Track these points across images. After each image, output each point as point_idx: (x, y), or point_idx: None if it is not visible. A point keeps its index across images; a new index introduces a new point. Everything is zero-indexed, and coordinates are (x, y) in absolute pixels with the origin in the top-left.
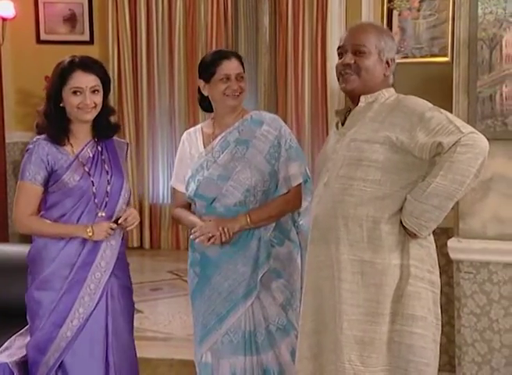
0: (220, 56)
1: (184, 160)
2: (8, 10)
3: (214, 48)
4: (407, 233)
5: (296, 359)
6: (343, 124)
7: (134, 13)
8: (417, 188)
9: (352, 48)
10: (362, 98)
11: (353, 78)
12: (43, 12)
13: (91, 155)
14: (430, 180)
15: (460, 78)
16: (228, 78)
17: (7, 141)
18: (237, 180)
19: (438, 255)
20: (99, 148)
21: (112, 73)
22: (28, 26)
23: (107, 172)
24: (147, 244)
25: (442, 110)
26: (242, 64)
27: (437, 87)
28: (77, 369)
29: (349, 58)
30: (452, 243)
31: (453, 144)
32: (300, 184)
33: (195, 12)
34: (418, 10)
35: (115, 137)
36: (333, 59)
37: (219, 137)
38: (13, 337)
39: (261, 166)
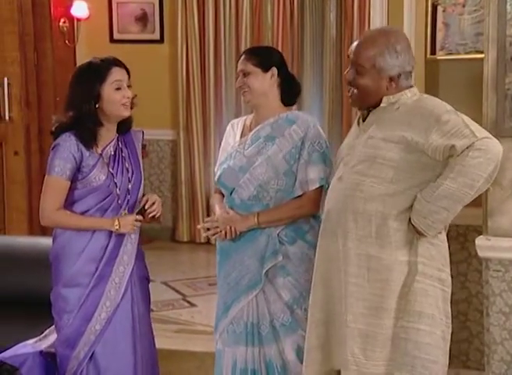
0: (241, 54)
1: (224, 148)
2: (82, 11)
3: (280, 47)
4: (415, 232)
5: (305, 350)
6: (364, 120)
7: (202, 13)
8: (427, 188)
9: (352, 65)
10: (384, 99)
11: (354, 93)
12: (116, 11)
13: (113, 153)
14: (440, 181)
15: (488, 75)
16: (238, 74)
17: None
18: (253, 174)
19: None
20: (119, 145)
21: (181, 71)
22: (102, 26)
23: (127, 170)
24: (213, 240)
25: (459, 113)
26: (255, 60)
27: (480, 84)
28: (108, 359)
29: (349, 75)
30: (480, 241)
31: (466, 148)
32: (318, 189)
33: (261, 12)
34: (463, 6)
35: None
36: None
37: (253, 131)
38: (52, 326)
39: (278, 165)
